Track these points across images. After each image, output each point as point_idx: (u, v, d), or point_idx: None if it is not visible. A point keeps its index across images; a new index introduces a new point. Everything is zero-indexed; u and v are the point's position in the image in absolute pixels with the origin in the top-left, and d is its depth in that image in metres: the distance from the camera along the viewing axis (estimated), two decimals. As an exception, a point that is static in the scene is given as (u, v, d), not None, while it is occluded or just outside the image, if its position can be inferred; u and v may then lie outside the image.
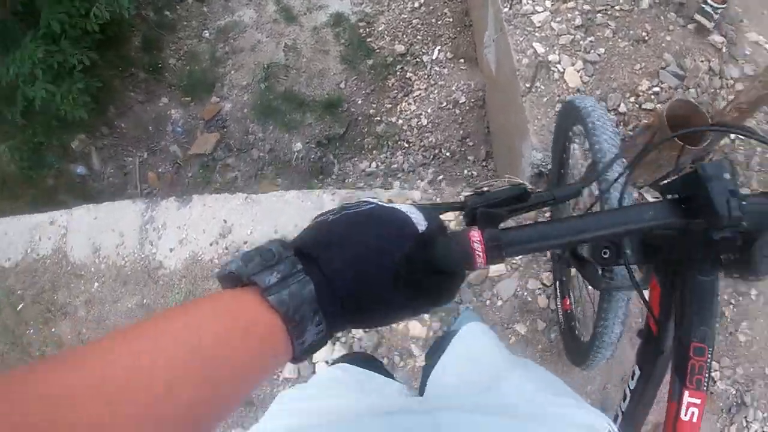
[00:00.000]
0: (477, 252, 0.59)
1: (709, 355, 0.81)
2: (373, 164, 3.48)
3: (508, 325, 2.28)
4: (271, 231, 2.42)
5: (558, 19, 2.86)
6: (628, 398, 0.99)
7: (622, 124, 2.64)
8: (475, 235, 0.59)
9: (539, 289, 2.32)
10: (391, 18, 3.92)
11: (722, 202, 0.65)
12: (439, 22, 3.80)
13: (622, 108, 2.64)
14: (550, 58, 2.76)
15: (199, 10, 4.23)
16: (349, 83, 3.76)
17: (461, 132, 3.43)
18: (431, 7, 3.87)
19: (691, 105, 2.23)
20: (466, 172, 3.35)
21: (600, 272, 1.05)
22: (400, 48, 3.78)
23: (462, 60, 3.65)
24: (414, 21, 3.85)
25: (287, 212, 2.45)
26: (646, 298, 0.93)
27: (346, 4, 4.05)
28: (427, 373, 1.18)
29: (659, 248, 0.87)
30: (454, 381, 1.12)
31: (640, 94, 2.63)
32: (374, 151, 3.53)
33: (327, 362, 2.26)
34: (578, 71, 2.75)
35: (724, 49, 2.84)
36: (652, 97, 2.62)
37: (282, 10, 4.05)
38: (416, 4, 3.92)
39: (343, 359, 1.37)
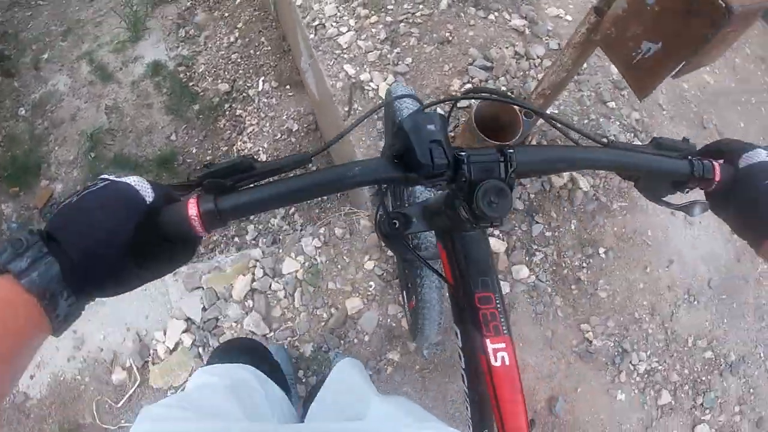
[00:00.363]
0: (193, 219, 0.61)
1: (497, 302, 0.85)
2: (223, 212, 3.29)
3: (381, 356, 2.20)
4: (124, 330, 2.20)
5: (363, 36, 2.77)
6: (462, 357, 0.99)
7: (444, 128, 2.60)
8: (192, 203, 0.62)
9: (400, 312, 2.25)
10: (210, 57, 3.72)
11: (425, 152, 0.67)
12: (258, 53, 3.64)
13: (439, 111, 2.59)
14: (362, 77, 2.67)
15: (11, 87, 3.86)
16: (180, 134, 3.54)
17: (303, 159, 3.30)
18: (248, 39, 3.70)
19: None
20: (317, 199, 3.23)
21: (408, 246, 1.13)
22: (224, 86, 3.59)
23: (288, 86, 3.51)
24: (233, 56, 3.67)
25: (134, 306, 2.25)
26: (426, 261, 0.97)
27: (162, 50, 3.82)
28: (306, 408, 1.23)
29: (435, 214, 0.91)
30: (327, 410, 1.18)
31: (453, 94, 2.58)
32: (221, 198, 3.33)
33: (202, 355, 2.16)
34: (390, 85, 2.68)
35: (527, 31, 2.84)
36: (466, 94, 2.59)
37: (96, 69, 3.76)
38: (232, 38, 3.73)
39: (228, 351, 1.37)
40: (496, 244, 2.29)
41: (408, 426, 0.96)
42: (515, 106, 2.04)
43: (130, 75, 3.76)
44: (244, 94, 3.55)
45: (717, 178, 0.78)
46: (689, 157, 0.80)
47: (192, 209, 0.61)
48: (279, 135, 3.37)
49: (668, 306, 2.42)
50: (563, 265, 2.35)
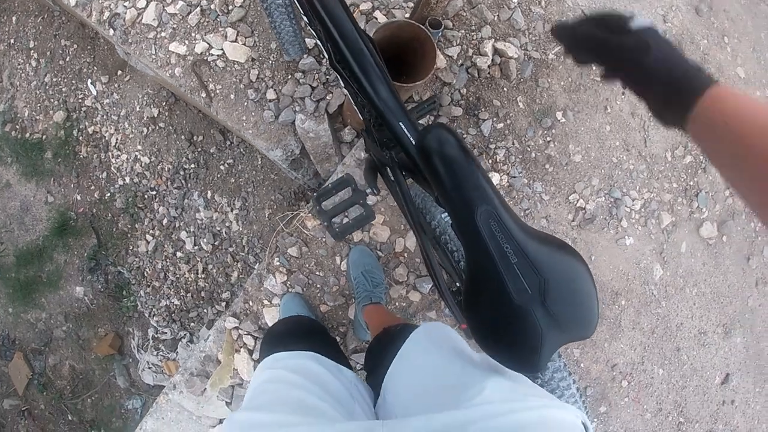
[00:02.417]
0: None
1: None
2: (149, 237, 2.43)
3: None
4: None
5: (168, 0, 1.79)
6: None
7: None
8: None
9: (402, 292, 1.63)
10: (27, 95, 2.54)
11: None
12: (68, 58, 2.49)
13: (310, 44, 1.74)
14: (198, 49, 1.74)
15: None
16: (54, 191, 2.52)
17: (183, 136, 2.40)
18: (49, 53, 2.50)
19: (396, 23, 1.38)
20: (222, 167, 2.39)
21: None
22: (59, 115, 2.48)
23: (119, 73, 2.44)
24: (46, 78, 2.51)
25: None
26: None
27: (-26, 119, 2.65)
28: (376, 389, 0.87)
29: None
30: (411, 400, 0.78)
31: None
32: (137, 225, 2.46)
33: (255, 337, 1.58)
34: (235, 41, 1.76)
35: None
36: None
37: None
38: (34, 62, 2.51)
39: (282, 338, 0.98)
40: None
41: (512, 411, 0.60)
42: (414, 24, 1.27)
43: (-33, 167, 2.63)
44: (83, 109, 2.49)
45: None
46: None
47: None
48: (145, 130, 2.40)
49: (638, 133, 1.80)
50: (528, 149, 1.68)
